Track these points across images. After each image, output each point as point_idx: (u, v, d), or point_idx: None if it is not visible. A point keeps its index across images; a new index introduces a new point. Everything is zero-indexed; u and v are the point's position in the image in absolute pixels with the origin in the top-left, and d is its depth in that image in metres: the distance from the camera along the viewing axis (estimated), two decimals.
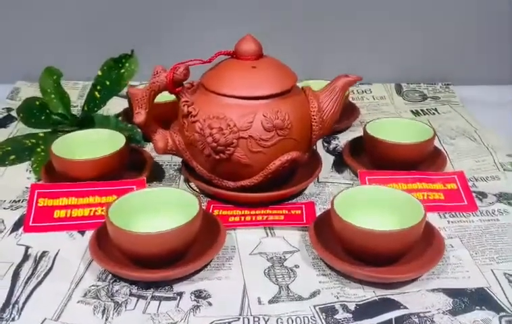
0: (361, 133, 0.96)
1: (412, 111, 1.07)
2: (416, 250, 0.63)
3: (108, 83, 0.89)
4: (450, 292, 0.60)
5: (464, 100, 1.12)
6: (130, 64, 0.89)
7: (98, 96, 0.89)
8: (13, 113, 1.00)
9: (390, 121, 0.88)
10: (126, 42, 1.14)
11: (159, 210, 0.66)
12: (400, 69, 1.17)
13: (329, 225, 0.64)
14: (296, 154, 0.72)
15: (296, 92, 0.74)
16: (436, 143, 0.92)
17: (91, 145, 0.79)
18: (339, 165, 0.86)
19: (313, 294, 0.59)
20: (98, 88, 0.89)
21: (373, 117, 1.05)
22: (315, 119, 0.75)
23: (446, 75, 1.17)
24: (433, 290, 0.60)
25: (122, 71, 0.89)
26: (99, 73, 0.90)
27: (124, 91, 0.93)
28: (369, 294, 0.59)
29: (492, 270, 0.63)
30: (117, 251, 0.61)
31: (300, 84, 0.78)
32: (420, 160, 0.82)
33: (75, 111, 1.02)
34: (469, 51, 1.17)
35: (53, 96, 0.91)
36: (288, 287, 0.60)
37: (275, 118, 0.69)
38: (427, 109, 1.08)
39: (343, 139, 0.95)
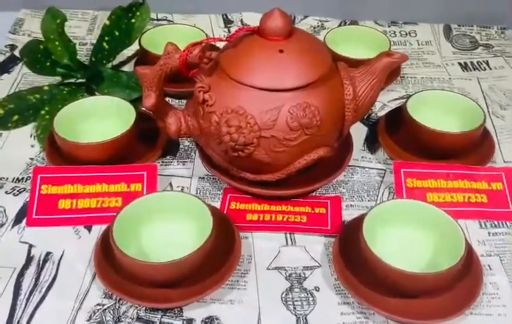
0: (401, 94, 0.87)
1: (460, 64, 0.95)
2: None
3: (117, 33, 0.79)
4: None
5: None
6: (142, 13, 0.78)
7: (106, 47, 0.80)
8: (17, 53, 0.91)
9: (434, 95, 0.78)
10: None
11: (170, 215, 0.60)
12: (451, 7, 1.02)
13: (356, 243, 0.58)
14: (324, 151, 0.64)
15: (329, 76, 0.64)
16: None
17: (98, 115, 0.73)
18: (372, 142, 0.78)
19: None
20: (107, 38, 0.80)
21: (415, 70, 0.94)
22: (348, 107, 0.65)
23: (503, 16, 1.02)
24: None
25: (133, 21, 0.78)
26: (107, 22, 0.79)
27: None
28: None
29: None
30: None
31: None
32: (466, 150, 0.73)
33: (84, 50, 0.93)
34: None
35: (57, 43, 0.81)
36: (306, 319, 0.56)
37: (303, 116, 0.60)
38: (477, 62, 0.95)
39: (380, 102, 0.85)
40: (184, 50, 0.61)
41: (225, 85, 0.62)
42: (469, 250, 0.59)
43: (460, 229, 0.58)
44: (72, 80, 0.83)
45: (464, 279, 0.58)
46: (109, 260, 0.57)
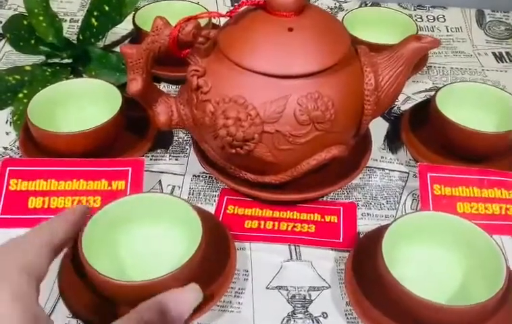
0: (427, 85, 0.78)
1: (494, 54, 0.84)
2: None
3: (107, 8, 0.70)
4: None
5: None
6: None
7: (95, 23, 0.71)
8: (0, 29, 0.82)
9: (467, 88, 0.67)
10: None
11: (154, 221, 0.51)
12: None
13: (373, 261, 0.48)
14: (338, 149, 0.55)
15: (346, 61, 0.54)
16: None
17: (80, 101, 0.64)
18: (394, 140, 0.68)
19: None
20: (95, 14, 0.70)
21: (443, 59, 0.83)
22: (369, 99, 0.55)
23: None
24: None
25: None
26: None
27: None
28: None
29: None
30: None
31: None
32: (503, 153, 0.63)
33: (75, 28, 0.84)
34: None
35: (41, 18, 0.72)
36: None
37: (314, 108, 0.51)
38: None
39: (404, 94, 0.74)
40: (175, 26, 0.52)
41: (223, 69, 0.52)
42: (510, 276, 0.49)
43: (499, 249, 0.48)
44: (57, 60, 0.74)
45: (500, 310, 0.48)
46: (79, 274, 0.48)
